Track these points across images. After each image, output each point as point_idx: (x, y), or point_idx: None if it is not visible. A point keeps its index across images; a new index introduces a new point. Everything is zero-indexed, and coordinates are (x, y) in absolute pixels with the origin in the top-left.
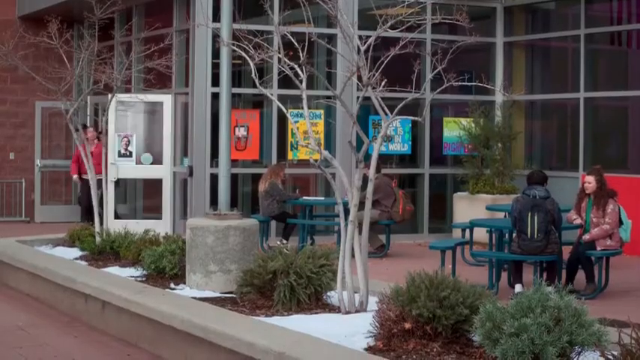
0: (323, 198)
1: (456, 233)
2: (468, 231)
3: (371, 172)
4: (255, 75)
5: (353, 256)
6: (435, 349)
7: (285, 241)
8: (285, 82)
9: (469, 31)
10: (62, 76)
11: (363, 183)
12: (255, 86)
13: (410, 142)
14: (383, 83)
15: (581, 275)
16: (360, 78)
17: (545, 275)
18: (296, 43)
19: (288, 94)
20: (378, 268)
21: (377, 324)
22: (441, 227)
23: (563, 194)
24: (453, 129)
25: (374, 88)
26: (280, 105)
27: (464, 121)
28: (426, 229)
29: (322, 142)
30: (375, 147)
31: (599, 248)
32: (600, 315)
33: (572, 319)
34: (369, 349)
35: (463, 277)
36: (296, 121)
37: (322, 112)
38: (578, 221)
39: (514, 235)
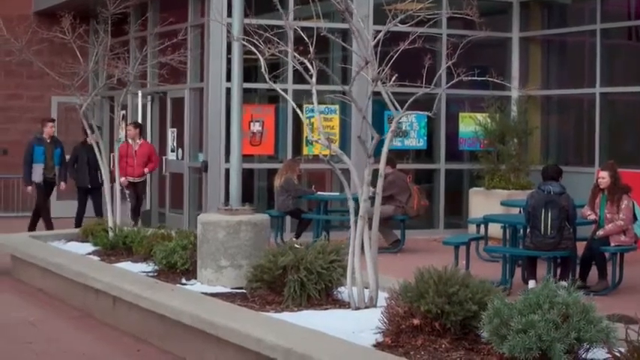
0: (338, 193)
1: (472, 229)
2: (483, 226)
3: (381, 168)
4: (266, 70)
5: (364, 251)
6: (443, 345)
7: (295, 238)
8: (301, 77)
9: (480, 25)
10: (76, 72)
11: (376, 178)
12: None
13: (425, 138)
14: (393, 78)
15: (595, 271)
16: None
17: (559, 271)
18: (306, 38)
19: (303, 89)
20: (392, 264)
21: (385, 320)
22: (457, 223)
23: (579, 189)
24: (469, 124)
25: (384, 82)
26: (290, 100)
27: (480, 116)
28: (441, 225)
29: (338, 137)
30: (385, 142)
31: (613, 244)
32: (613, 311)
33: (581, 316)
34: (378, 345)
35: (477, 273)
36: (310, 117)
37: (337, 107)
38: (592, 217)
39: (528, 230)
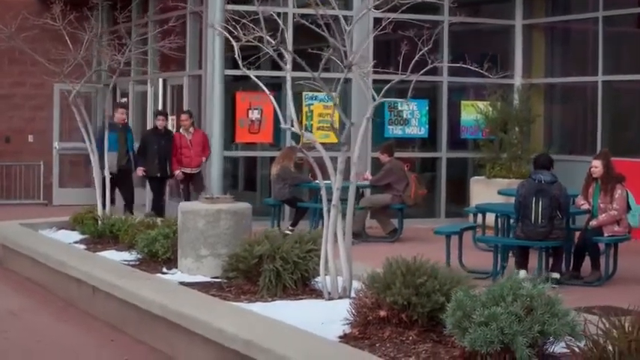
0: None
1: (472, 218)
2: (480, 215)
3: (354, 156)
4: (239, 56)
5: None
6: (410, 338)
7: (291, 227)
8: (299, 64)
9: (455, 11)
10: (65, 58)
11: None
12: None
13: (427, 126)
14: (370, 65)
15: (589, 262)
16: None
17: (550, 261)
18: (282, 24)
19: (302, 77)
20: (384, 253)
21: (353, 311)
22: (458, 212)
23: (580, 178)
24: (471, 112)
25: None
26: (265, 88)
27: (481, 104)
28: (443, 214)
29: (338, 125)
30: (361, 130)
31: (606, 234)
32: (606, 303)
33: (545, 309)
34: (344, 337)
35: (470, 263)
36: (310, 104)
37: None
38: (586, 206)
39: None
